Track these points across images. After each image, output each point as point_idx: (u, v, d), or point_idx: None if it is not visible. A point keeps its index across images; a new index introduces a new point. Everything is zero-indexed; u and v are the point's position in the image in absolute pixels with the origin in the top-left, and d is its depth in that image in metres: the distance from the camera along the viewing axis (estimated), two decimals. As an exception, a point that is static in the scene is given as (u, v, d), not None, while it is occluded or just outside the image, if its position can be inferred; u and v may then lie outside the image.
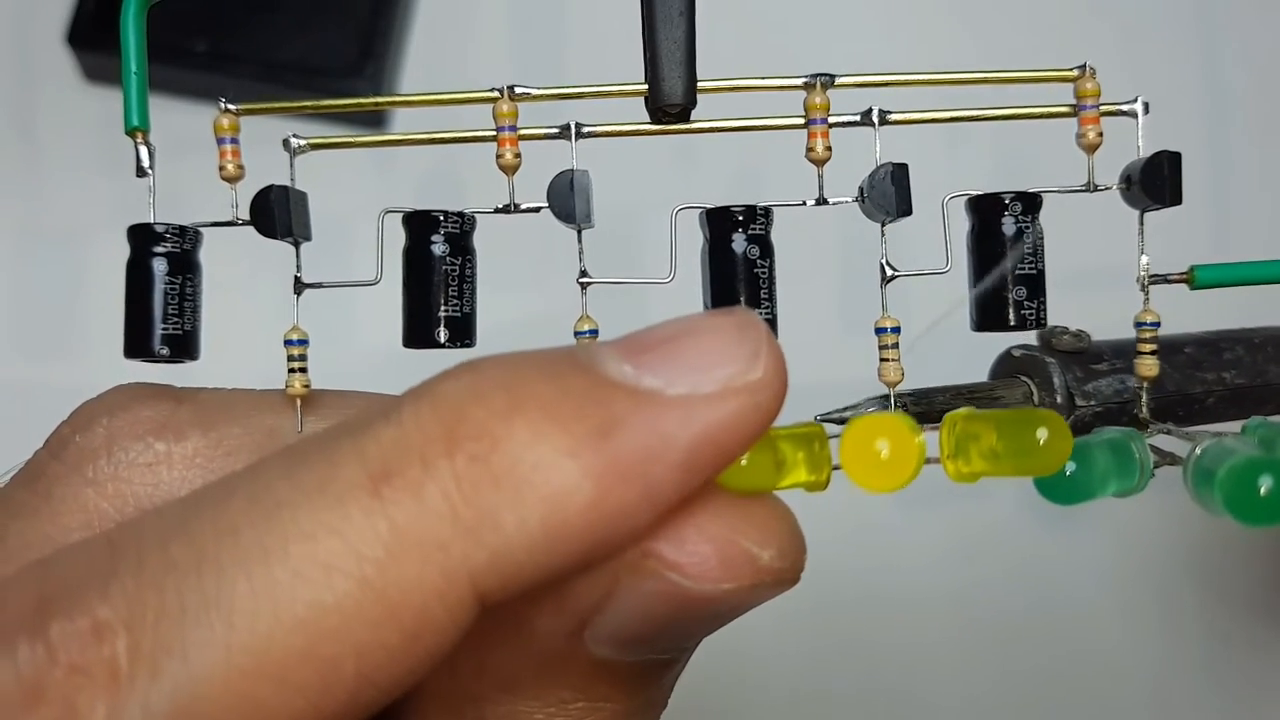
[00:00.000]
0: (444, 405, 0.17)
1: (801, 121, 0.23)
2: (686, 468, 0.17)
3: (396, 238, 0.23)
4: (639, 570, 0.17)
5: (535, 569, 0.16)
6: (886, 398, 0.23)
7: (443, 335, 0.23)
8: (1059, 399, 0.24)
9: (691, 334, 0.18)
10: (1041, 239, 0.23)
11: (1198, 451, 0.21)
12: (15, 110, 0.45)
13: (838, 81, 0.23)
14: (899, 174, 0.22)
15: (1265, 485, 0.19)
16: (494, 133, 0.22)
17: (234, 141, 0.23)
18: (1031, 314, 0.23)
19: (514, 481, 0.16)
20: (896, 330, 0.23)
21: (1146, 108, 0.23)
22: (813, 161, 0.23)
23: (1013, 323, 0.23)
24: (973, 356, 0.27)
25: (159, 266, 0.22)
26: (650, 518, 0.17)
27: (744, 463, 0.19)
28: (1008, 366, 0.25)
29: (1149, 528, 0.43)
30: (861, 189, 0.23)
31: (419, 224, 0.23)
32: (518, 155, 0.23)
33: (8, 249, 0.43)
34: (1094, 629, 0.43)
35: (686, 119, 0.23)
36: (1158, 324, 0.23)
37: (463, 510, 0.16)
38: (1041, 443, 0.19)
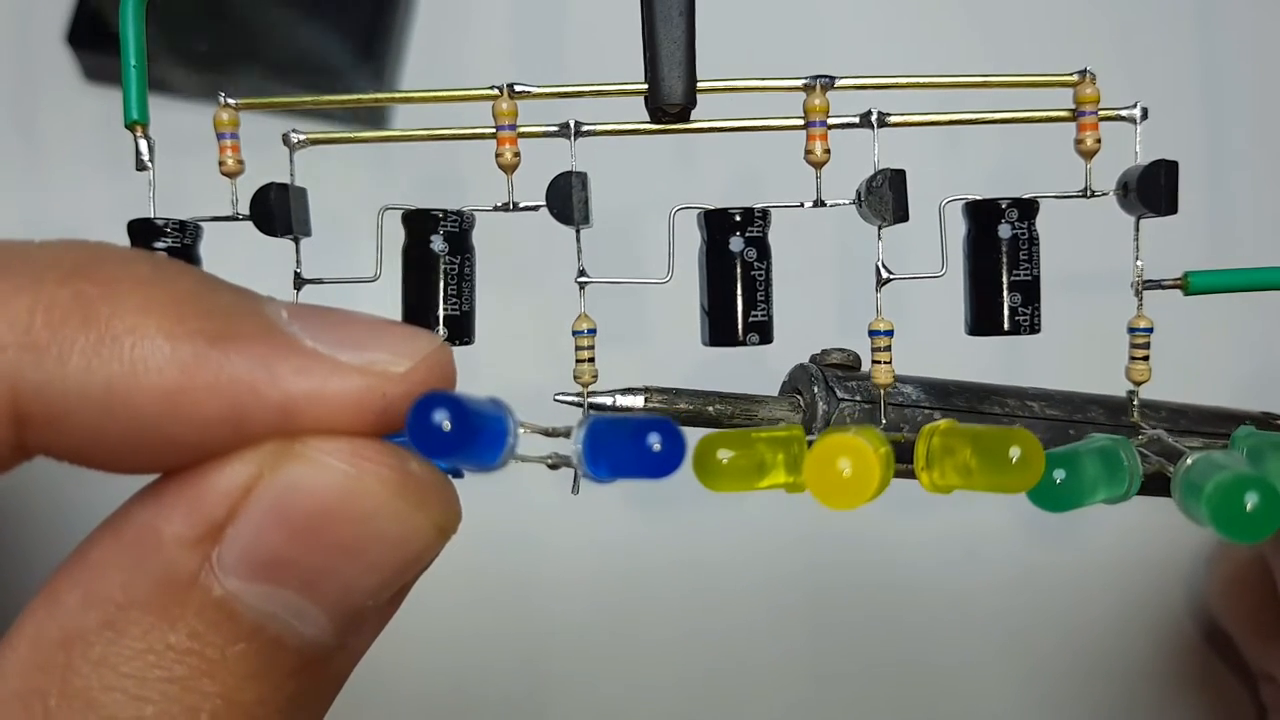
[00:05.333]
0: (87, 249, 0.17)
1: (801, 123, 0.23)
2: (283, 410, 0.17)
3: (396, 235, 0.23)
4: (281, 456, 0.17)
5: (85, 422, 0.16)
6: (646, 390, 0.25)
7: (441, 333, 0.23)
8: (817, 396, 0.25)
9: (366, 322, 0.18)
10: (1036, 244, 0.23)
11: (1188, 463, 0.21)
12: (15, 110, 0.45)
13: (837, 83, 0.23)
14: (897, 180, 0.22)
15: (1251, 502, 0.19)
16: (494, 131, 0.23)
17: (234, 137, 0.23)
18: (1026, 319, 0.23)
19: (103, 332, 0.16)
20: (889, 334, 0.23)
21: (1145, 113, 0.23)
22: (811, 164, 0.23)
23: (1007, 328, 0.23)
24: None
25: (159, 261, 0.22)
26: (228, 439, 0.17)
27: (725, 462, 0.18)
28: (785, 386, 0.27)
29: (1147, 528, 0.43)
30: (859, 193, 0.23)
31: (418, 222, 0.23)
32: (517, 154, 0.23)
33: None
34: (1093, 631, 0.43)
35: (686, 119, 0.23)
36: (1150, 329, 0.23)
37: (40, 330, 0.16)
38: (1014, 462, 0.19)
